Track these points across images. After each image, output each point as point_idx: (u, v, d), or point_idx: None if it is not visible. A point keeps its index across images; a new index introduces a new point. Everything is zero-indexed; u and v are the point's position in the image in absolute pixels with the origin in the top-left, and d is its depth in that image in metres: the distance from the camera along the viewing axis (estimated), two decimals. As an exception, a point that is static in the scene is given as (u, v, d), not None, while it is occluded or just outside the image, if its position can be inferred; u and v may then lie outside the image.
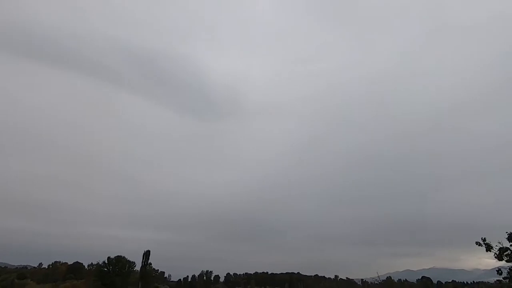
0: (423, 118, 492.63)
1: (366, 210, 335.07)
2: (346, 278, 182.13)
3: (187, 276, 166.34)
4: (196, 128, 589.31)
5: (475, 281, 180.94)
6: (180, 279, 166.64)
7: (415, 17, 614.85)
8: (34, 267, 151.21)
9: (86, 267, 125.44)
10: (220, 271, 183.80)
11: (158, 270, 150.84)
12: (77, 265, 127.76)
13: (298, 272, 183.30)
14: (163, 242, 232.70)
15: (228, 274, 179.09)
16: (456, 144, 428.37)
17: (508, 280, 21.06)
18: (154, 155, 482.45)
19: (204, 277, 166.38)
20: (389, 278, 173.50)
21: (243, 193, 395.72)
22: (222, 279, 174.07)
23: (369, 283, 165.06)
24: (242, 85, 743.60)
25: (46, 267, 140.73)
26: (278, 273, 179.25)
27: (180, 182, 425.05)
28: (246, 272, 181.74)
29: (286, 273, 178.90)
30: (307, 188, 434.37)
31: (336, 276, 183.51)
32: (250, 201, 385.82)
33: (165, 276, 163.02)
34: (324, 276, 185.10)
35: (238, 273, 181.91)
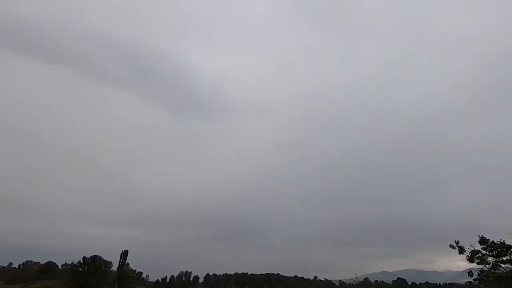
0: (405, 123, 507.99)
1: (346, 211, 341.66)
2: (325, 279, 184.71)
3: (166, 276, 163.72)
4: (181, 125, 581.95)
5: (447, 282, 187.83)
6: (158, 280, 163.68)
7: (400, 26, 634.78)
8: (3, 266, 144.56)
9: (60, 267, 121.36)
10: (200, 271, 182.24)
11: (136, 270, 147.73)
12: (50, 265, 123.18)
13: (278, 273, 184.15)
14: (143, 241, 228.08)
15: (207, 274, 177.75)
16: (435, 149, 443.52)
17: (478, 281, 21.87)
18: (139, 151, 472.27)
19: (183, 278, 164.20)
20: (366, 279, 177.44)
21: (226, 192, 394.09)
22: (201, 280, 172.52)
23: (347, 284, 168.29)
24: (229, 84, 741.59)
25: (17, 267, 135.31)
26: (258, 273, 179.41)
27: (163, 179, 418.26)
28: (226, 272, 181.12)
29: (266, 273, 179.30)
30: (290, 189, 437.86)
31: (315, 277, 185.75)
32: (232, 200, 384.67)
33: (142, 276, 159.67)
34: (303, 277, 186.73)
35: (218, 274, 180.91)
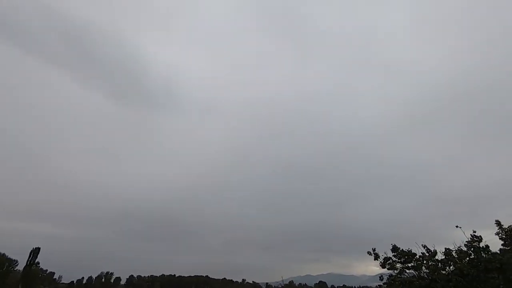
0: (345, 141, 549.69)
1: (280, 217, 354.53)
2: (252, 282, 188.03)
3: (82, 277, 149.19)
4: (126, 114, 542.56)
5: (361, 286, 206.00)
6: (73, 281, 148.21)
7: (350, 50, 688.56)
8: None
9: None
10: (123, 272, 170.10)
11: (47, 270, 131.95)
12: None
13: (207, 275, 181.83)
14: (61, 238, 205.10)
15: (131, 276, 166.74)
16: (368, 166, 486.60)
17: (386, 285, 24.17)
18: (71, 139, 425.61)
19: (103, 279, 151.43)
20: (291, 282, 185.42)
21: (164, 189, 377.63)
22: (123, 281, 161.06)
23: (273, 287, 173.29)
24: (182, 78, 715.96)
25: None
26: (186, 275, 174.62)
27: (96, 170, 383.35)
28: (152, 274, 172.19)
29: (195, 276, 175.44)
30: (231, 191, 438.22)
31: (243, 280, 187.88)
32: (168, 199, 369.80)
33: (54, 277, 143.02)
34: (232, 280, 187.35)
35: (143, 275, 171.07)
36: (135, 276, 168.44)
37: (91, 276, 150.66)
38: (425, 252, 22.42)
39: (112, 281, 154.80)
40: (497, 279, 18.83)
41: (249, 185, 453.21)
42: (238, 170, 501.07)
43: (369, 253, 23.78)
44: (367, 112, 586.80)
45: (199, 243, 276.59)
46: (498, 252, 25.57)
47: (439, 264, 21.68)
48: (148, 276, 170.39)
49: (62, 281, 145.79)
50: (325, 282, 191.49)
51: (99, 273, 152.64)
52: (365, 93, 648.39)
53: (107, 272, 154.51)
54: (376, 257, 23.41)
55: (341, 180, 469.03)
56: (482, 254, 20.85)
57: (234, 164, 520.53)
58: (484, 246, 21.45)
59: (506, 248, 28.92)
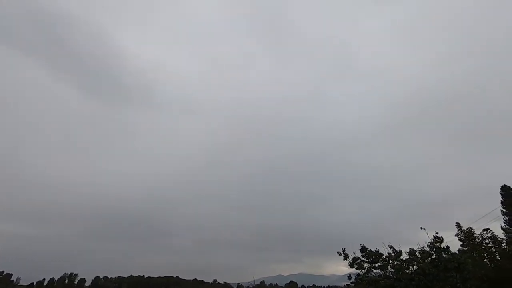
0: (321, 145, 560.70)
1: (254, 217, 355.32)
2: (224, 282, 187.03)
3: (43, 279, 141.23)
4: (98, 110, 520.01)
5: (330, 285, 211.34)
6: (32, 283, 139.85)
7: (332, 56, 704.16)
8: None
9: None
10: (88, 273, 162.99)
11: (3, 272, 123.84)
12: None
13: (178, 276, 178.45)
14: (21, 237, 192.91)
15: (97, 277, 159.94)
16: (342, 171, 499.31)
17: (354, 284, 24.96)
18: (40, 133, 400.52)
19: (66, 281, 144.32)
20: (262, 282, 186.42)
21: (137, 188, 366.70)
22: (88, 283, 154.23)
23: (244, 287, 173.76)
24: (161, 75, 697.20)
25: None
26: (156, 276, 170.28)
27: (64, 166, 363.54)
28: (120, 275, 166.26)
29: (165, 276, 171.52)
30: (207, 192, 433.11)
31: (215, 280, 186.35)
32: (141, 198, 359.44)
33: (12, 279, 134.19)
34: (203, 280, 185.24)
35: (110, 276, 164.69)
36: (101, 277, 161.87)
37: (53, 277, 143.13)
38: (391, 252, 23.45)
39: (76, 282, 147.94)
40: (455, 278, 20.04)
41: (224, 186, 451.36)
42: (214, 171, 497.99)
43: (339, 253, 24.50)
44: (345, 118, 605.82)
45: (171, 243, 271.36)
46: (457, 252, 27.28)
47: (404, 263, 22.74)
48: (116, 277, 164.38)
49: (21, 283, 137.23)
50: (295, 282, 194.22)
51: (62, 274, 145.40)
52: (344, 99, 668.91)
53: (71, 273, 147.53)
54: (346, 257, 24.17)
55: (315, 183, 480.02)
56: (443, 254, 22.11)
57: (211, 165, 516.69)
58: (445, 247, 22.78)
59: (464, 248, 30.92)
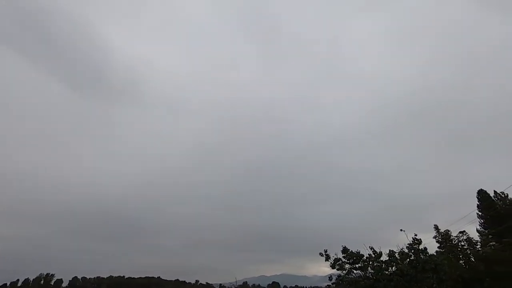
0: (307, 147, 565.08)
1: (238, 218, 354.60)
2: (206, 283, 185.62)
3: (17, 280, 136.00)
4: (83, 105, 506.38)
5: (312, 286, 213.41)
6: (5, 283, 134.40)
7: (319, 59, 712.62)
8: None
9: None
10: (66, 274, 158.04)
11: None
12: None
13: (159, 277, 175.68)
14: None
15: (75, 277, 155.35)
16: (321, 173, 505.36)
17: (335, 285, 25.28)
18: (18, 125, 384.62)
19: (42, 281, 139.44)
20: (245, 282, 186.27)
21: (120, 186, 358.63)
22: (65, 284, 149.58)
23: (227, 287, 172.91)
24: (148, 73, 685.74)
25: None
26: (137, 277, 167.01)
27: (44, 162, 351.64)
28: (99, 275, 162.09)
29: (146, 277, 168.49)
30: (192, 192, 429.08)
31: (197, 281, 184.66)
32: (125, 196, 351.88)
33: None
34: (185, 281, 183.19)
35: (89, 277, 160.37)
36: (80, 278, 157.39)
37: (28, 278, 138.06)
38: (372, 254, 23.92)
39: (52, 283, 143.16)
40: (432, 279, 20.63)
41: (210, 186, 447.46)
42: (199, 170, 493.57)
43: (321, 254, 24.80)
44: (330, 120, 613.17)
45: (153, 244, 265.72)
46: (435, 254, 28.11)
47: (383, 265, 23.24)
48: (95, 277, 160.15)
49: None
50: (278, 283, 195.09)
51: (37, 274, 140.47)
52: (330, 102, 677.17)
53: (47, 274, 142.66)
54: (327, 258, 24.48)
55: (299, 184, 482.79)
56: (421, 256, 22.73)
57: (196, 165, 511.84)
58: (423, 249, 23.43)
59: (441, 250, 31.91)
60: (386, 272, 22.78)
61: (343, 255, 24.13)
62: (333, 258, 24.22)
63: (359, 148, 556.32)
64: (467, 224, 39.53)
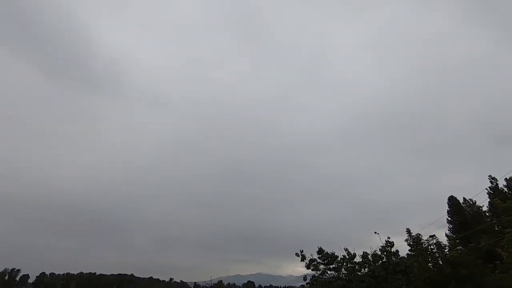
0: (288, 149, 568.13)
1: (214, 217, 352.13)
2: (180, 281, 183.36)
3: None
4: (60, 94, 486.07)
5: (286, 286, 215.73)
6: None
7: (303, 61, 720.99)
8: None
9: None
10: (32, 269, 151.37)
11: None
12: None
13: (132, 274, 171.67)
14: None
15: (42, 273, 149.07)
16: (300, 175, 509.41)
17: (309, 285, 25.59)
18: None
19: (7, 276, 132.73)
20: (220, 281, 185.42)
21: (93, 180, 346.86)
22: (32, 279, 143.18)
23: (201, 286, 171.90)
24: (131, 65, 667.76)
25: None
26: (109, 274, 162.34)
27: (14, 152, 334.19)
28: (68, 272, 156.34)
29: (118, 274, 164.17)
30: (169, 189, 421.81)
31: (171, 279, 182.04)
32: (97, 191, 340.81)
33: None
34: (159, 279, 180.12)
35: (57, 273, 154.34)
36: (47, 274, 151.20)
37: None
38: (346, 255, 24.42)
39: (17, 279, 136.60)
40: (401, 280, 21.30)
41: (186, 184, 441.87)
42: (178, 167, 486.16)
43: (297, 254, 25.05)
44: (308, 124, 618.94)
45: (126, 240, 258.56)
46: (406, 256, 29.07)
47: (356, 266, 23.78)
48: (64, 274, 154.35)
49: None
50: (253, 282, 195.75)
51: (1, 270, 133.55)
52: (312, 105, 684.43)
53: (12, 269, 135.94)
54: (303, 258, 24.76)
55: (277, 185, 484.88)
56: (392, 258, 23.42)
57: (176, 161, 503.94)
58: (395, 251, 24.18)
59: (412, 253, 33.03)
60: (359, 273, 23.33)
61: (319, 255, 24.48)
62: (309, 258, 24.54)
63: (335, 153, 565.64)
64: (438, 228, 41.24)
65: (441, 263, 29.70)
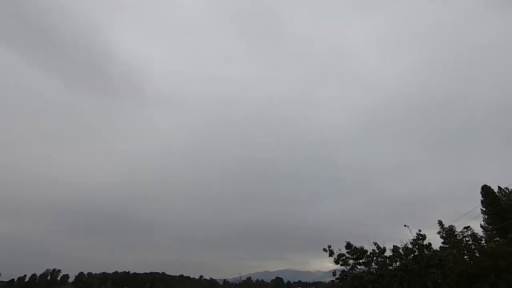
0: (307, 145, 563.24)
1: (238, 216, 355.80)
2: (210, 278, 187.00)
3: (25, 275, 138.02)
4: (77, 100, 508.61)
5: (315, 281, 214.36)
6: (13, 279, 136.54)
7: (317, 58, 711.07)
8: None
9: None
10: (71, 269, 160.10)
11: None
12: None
13: (163, 272, 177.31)
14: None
15: (81, 273, 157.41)
16: (322, 170, 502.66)
17: (338, 280, 25.32)
18: (12, 122, 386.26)
19: (49, 277, 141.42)
20: (248, 278, 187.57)
21: (116, 183, 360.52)
22: (72, 279, 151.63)
23: (230, 283, 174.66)
24: (146, 69, 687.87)
25: None
26: (142, 273, 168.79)
27: (41, 160, 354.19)
28: (104, 271, 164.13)
29: (150, 273, 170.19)
30: (189, 189, 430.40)
31: (201, 277, 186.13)
32: (121, 193, 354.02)
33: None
34: (189, 277, 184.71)
35: (94, 272, 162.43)
36: (85, 274, 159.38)
37: (34, 273, 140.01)
38: (376, 249, 23.96)
39: (58, 279, 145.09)
40: (436, 274, 20.62)
41: (205, 184, 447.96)
42: (197, 167, 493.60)
43: (324, 249, 24.87)
44: (328, 118, 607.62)
45: (156, 241, 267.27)
46: (439, 249, 28.10)
47: (387, 260, 23.27)
48: (100, 273, 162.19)
49: (1, 279, 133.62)
50: (281, 278, 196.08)
51: (44, 270, 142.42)
52: (328, 100, 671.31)
53: (54, 269, 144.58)
54: (331, 253, 24.55)
55: (300, 182, 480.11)
56: (425, 251, 22.70)
57: (194, 162, 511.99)
58: (427, 244, 23.41)
59: (446, 246, 31.87)
60: (390, 268, 22.84)
61: (347, 250, 24.18)
62: (337, 253, 24.31)
63: (359, 146, 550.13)
64: (471, 220, 39.36)
65: (478, 255, 28.46)
